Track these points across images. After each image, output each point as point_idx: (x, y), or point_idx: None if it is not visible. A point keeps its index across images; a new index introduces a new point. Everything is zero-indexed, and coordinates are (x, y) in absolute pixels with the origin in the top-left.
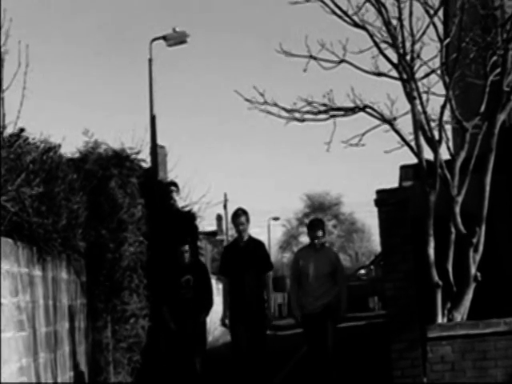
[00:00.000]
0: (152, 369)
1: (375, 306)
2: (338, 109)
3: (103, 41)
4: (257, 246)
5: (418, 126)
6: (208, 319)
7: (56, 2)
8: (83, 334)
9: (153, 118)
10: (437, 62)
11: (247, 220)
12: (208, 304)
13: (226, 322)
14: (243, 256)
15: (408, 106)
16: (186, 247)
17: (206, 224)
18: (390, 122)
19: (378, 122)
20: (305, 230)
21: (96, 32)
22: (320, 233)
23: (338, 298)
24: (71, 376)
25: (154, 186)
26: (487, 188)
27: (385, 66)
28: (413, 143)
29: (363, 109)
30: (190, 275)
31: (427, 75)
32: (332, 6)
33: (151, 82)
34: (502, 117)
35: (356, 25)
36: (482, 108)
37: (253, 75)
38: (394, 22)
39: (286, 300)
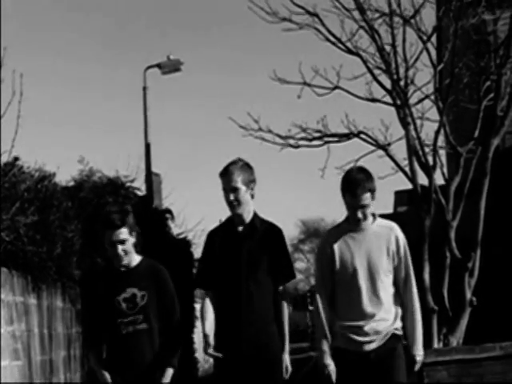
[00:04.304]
0: None
1: None
2: (332, 135)
3: (97, 67)
4: (268, 234)
5: (412, 152)
6: (199, 342)
7: (50, 26)
8: (79, 362)
9: (147, 146)
10: (430, 88)
11: (247, 183)
12: (173, 344)
13: (210, 351)
14: (242, 251)
15: (402, 132)
16: (121, 234)
17: (201, 251)
18: (384, 147)
19: (372, 147)
20: (301, 256)
21: (90, 59)
22: (367, 198)
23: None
24: None
25: (148, 214)
26: (482, 212)
27: (379, 92)
28: (407, 168)
29: (357, 135)
30: (135, 288)
31: (421, 101)
32: (325, 32)
33: (146, 110)
34: (495, 141)
35: (350, 51)
36: (476, 133)
37: (247, 102)
38: (388, 48)
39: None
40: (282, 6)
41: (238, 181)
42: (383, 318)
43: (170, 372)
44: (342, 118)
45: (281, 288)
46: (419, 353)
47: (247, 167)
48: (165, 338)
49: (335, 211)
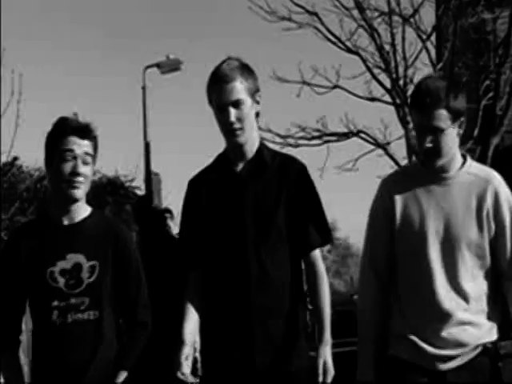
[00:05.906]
0: None
1: None
2: (332, 134)
3: (96, 66)
4: (286, 172)
5: (411, 151)
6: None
7: (48, 30)
8: None
9: (147, 145)
10: None
11: (253, 93)
12: (135, 341)
13: (182, 373)
14: (245, 201)
15: (401, 131)
16: (80, 166)
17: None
18: (383, 146)
19: (371, 146)
20: None
21: (89, 58)
22: (442, 117)
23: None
24: None
25: (148, 213)
26: None
27: (378, 91)
28: None
29: (357, 134)
30: (81, 254)
31: None
32: (325, 31)
33: (145, 109)
34: (495, 140)
35: (349, 50)
36: (476, 132)
37: None
38: (387, 47)
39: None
40: (282, 6)
41: (242, 90)
42: (471, 322)
43: (122, 376)
44: (342, 117)
45: (314, 254)
46: None
47: (249, 69)
48: (128, 336)
49: (335, 212)
